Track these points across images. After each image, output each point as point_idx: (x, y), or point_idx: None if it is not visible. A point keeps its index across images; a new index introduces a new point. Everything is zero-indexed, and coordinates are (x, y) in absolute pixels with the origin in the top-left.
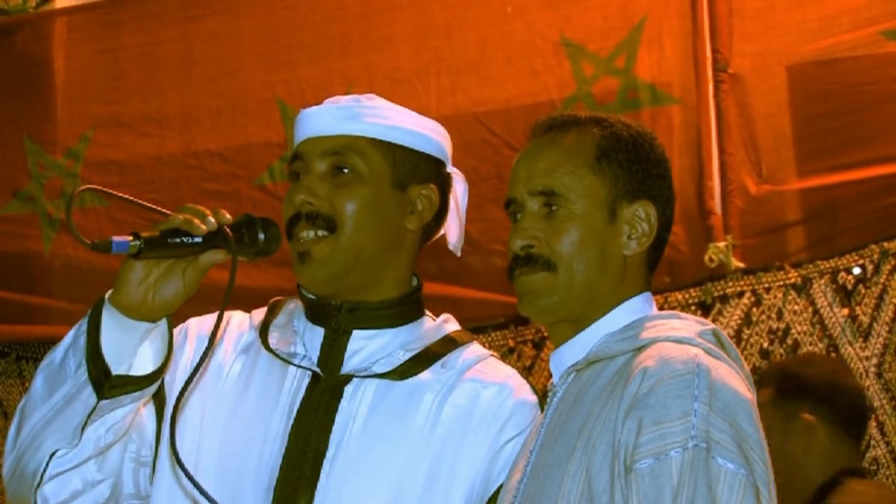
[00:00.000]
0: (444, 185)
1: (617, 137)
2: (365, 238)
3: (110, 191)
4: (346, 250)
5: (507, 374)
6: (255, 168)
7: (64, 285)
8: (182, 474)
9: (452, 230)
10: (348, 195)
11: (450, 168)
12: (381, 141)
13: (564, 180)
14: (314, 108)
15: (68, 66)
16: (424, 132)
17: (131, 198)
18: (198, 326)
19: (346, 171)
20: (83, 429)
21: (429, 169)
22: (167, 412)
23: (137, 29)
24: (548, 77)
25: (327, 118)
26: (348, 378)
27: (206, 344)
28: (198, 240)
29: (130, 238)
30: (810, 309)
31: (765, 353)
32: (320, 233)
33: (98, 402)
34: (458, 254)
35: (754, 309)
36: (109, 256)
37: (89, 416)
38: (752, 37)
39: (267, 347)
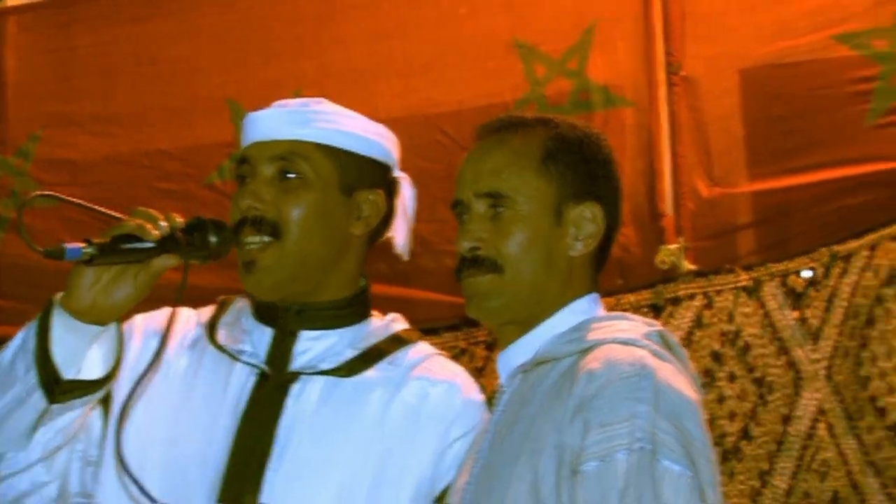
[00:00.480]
0: (391, 189)
1: (563, 139)
2: (310, 244)
3: (62, 196)
4: (291, 257)
5: (455, 373)
6: (205, 167)
7: (14, 285)
8: (125, 473)
9: (400, 234)
10: (295, 201)
11: (397, 172)
12: (328, 146)
13: (510, 182)
14: (262, 111)
15: (19, 66)
16: (372, 137)
17: (83, 202)
18: (144, 323)
19: (292, 176)
20: (33, 432)
21: (376, 174)
22: (112, 412)
23: (89, 29)
24: (501, 78)
25: (275, 122)
26: (295, 376)
27: (152, 342)
28: (150, 245)
29: (83, 245)
30: (761, 311)
31: (716, 356)
32: (265, 238)
33: (48, 406)
34: (406, 257)
35: (706, 311)
36: None
37: (39, 419)
38: (705, 40)
39: (215, 343)
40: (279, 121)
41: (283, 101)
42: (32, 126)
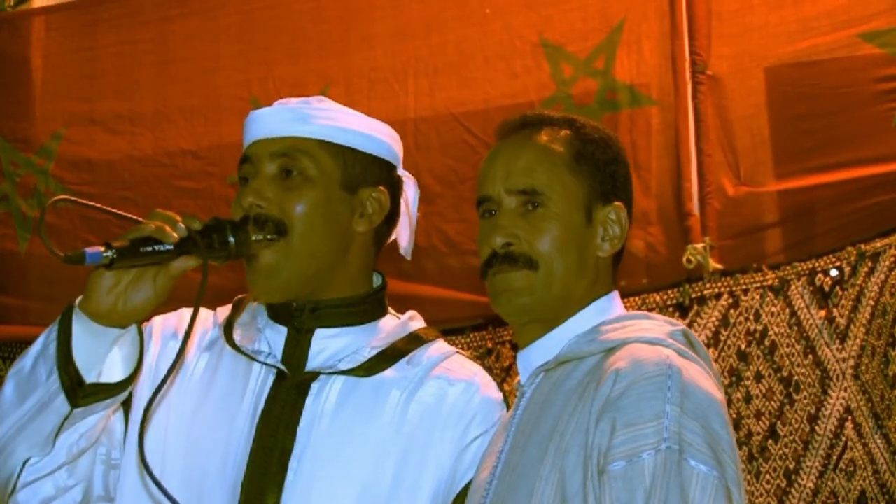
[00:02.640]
0: (395, 188)
1: (589, 139)
2: (315, 241)
3: (81, 200)
4: (297, 255)
5: (473, 372)
6: (228, 166)
7: (40, 285)
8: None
9: (403, 234)
10: (298, 198)
11: (400, 171)
12: (330, 143)
13: (545, 179)
14: (263, 109)
15: (45, 65)
16: (374, 134)
17: (102, 206)
18: (162, 325)
19: (295, 173)
20: (56, 437)
21: (379, 171)
22: (132, 414)
23: (114, 28)
24: (527, 78)
25: (276, 120)
26: (314, 375)
27: (170, 344)
28: (169, 247)
29: (103, 249)
30: (788, 310)
31: (742, 355)
32: (270, 237)
33: (71, 410)
34: (409, 257)
35: (732, 310)
36: None
37: (62, 424)
38: (731, 39)
39: (231, 344)
40: (281, 118)
41: (284, 100)
42: (56, 125)
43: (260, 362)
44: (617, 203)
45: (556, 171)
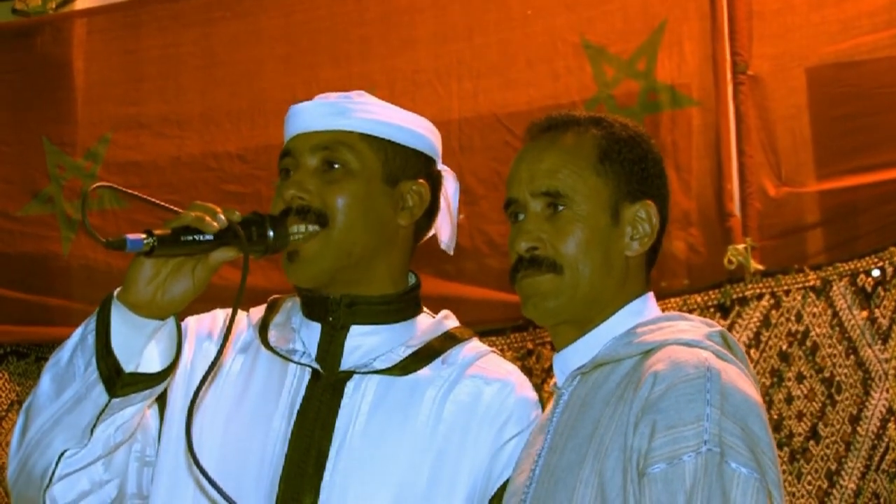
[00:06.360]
0: (435, 182)
1: (617, 138)
2: (356, 233)
3: (123, 188)
4: (338, 245)
5: (509, 371)
6: (275, 170)
7: (83, 287)
8: (183, 474)
9: (444, 229)
10: (339, 190)
11: (440, 166)
12: (371, 136)
13: (568, 181)
14: (303, 103)
15: (88, 68)
16: (414, 128)
17: (144, 196)
18: (196, 326)
19: (336, 166)
20: (93, 428)
21: (419, 165)
22: (167, 413)
23: (158, 31)
24: (569, 79)
25: (317, 114)
26: (349, 374)
27: (205, 344)
28: (209, 237)
29: (144, 236)
30: (829, 311)
31: (784, 356)
32: (311, 227)
33: (109, 400)
34: (451, 252)
35: (773, 311)
36: (128, 257)
37: (99, 415)
38: (772, 39)
39: (266, 345)
40: (321, 112)
41: (325, 94)
42: (102, 128)
43: (294, 362)
44: (647, 201)
45: (581, 173)
